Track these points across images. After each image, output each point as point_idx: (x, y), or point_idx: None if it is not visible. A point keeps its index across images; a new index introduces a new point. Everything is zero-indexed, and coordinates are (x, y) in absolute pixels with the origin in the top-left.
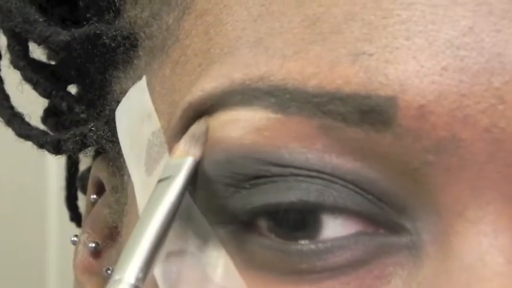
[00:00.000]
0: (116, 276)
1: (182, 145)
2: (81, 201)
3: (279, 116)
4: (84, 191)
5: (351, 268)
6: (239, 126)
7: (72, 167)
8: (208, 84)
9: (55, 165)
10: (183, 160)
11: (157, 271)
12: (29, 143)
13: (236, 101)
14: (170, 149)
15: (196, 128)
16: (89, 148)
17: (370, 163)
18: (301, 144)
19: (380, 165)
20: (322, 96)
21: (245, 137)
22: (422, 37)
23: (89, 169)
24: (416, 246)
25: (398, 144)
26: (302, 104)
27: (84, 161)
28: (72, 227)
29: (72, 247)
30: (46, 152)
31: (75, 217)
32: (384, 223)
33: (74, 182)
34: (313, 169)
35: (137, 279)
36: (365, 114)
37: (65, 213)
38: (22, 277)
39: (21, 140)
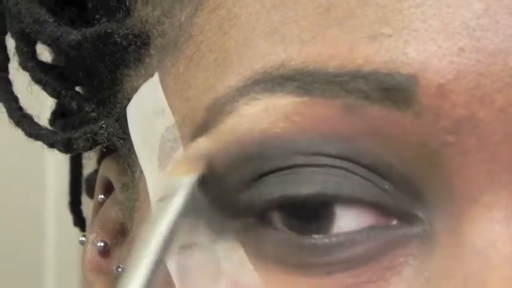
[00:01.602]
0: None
1: (183, 162)
2: (84, 206)
3: (304, 99)
4: (90, 194)
5: (363, 261)
6: (268, 114)
7: (75, 171)
8: (232, 79)
9: (53, 167)
10: (182, 179)
11: (171, 264)
12: (28, 147)
13: (259, 91)
14: (186, 144)
15: (197, 146)
16: (94, 151)
17: (390, 146)
18: (328, 127)
19: (399, 148)
20: (343, 75)
21: (277, 126)
22: (437, 19)
23: (95, 172)
24: (429, 236)
25: (419, 124)
26: (324, 84)
27: (87, 166)
28: (69, 229)
29: (70, 248)
30: (45, 154)
31: (79, 221)
32: (397, 213)
33: (78, 187)
34: (337, 155)
35: None
36: (386, 91)
37: (63, 215)
38: (20, 278)
39: (20, 143)
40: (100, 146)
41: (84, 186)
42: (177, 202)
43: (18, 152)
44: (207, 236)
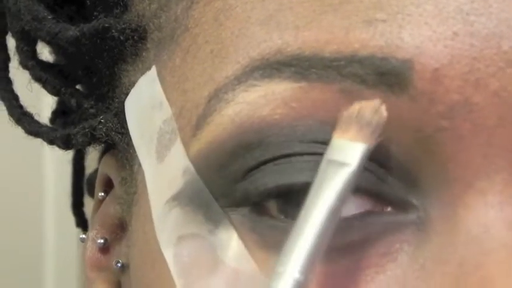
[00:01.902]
0: (280, 268)
1: (356, 129)
2: (86, 208)
3: (302, 84)
4: (92, 193)
5: (359, 247)
6: (267, 100)
7: (78, 173)
8: (230, 68)
9: (52, 165)
10: (359, 146)
11: (168, 255)
12: (26, 147)
13: (257, 77)
14: (184, 135)
15: (373, 116)
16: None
17: (387, 130)
18: (325, 112)
19: (395, 133)
20: (340, 59)
21: (276, 112)
22: (431, 4)
23: (95, 171)
24: (424, 222)
25: (414, 108)
26: (321, 69)
27: (89, 167)
28: (68, 229)
29: (69, 248)
30: (43, 153)
31: (82, 223)
32: (392, 201)
33: (80, 188)
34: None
35: (301, 273)
36: (382, 76)
37: (62, 215)
38: (20, 277)
39: (19, 144)
40: (101, 146)
41: (85, 187)
42: (347, 171)
43: (17, 150)
44: (205, 226)
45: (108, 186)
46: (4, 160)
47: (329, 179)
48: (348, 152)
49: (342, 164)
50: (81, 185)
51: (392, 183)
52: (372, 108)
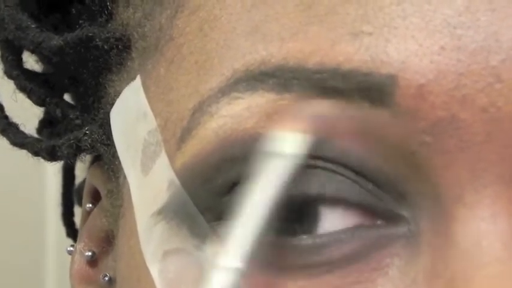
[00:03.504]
0: (218, 259)
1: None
2: (77, 218)
3: (284, 95)
4: (80, 203)
5: (348, 261)
6: (251, 113)
7: (68, 182)
8: (214, 80)
9: (53, 172)
10: (294, 137)
11: (154, 270)
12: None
13: (241, 89)
14: (168, 147)
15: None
16: (85, 159)
17: (372, 146)
18: (309, 127)
19: (380, 148)
20: (323, 72)
21: (259, 125)
22: (418, 17)
23: (84, 180)
24: (414, 235)
25: (397, 125)
26: (304, 81)
27: (81, 177)
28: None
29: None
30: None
31: (72, 233)
32: (382, 214)
33: (70, 198)
34: (319, 156)
35: (239, 261)
36: (365, 91)
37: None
38: (21, 282)
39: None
40: (90, 156)
41: (75, 196)
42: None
43: (19, 155)
44: (191, 241)
45: (96, 197)
46: (5, 162)
47: (264, 170)
48: (282, 143)
49: (277, 155)
50: (71, 194)
51: (381, 196)
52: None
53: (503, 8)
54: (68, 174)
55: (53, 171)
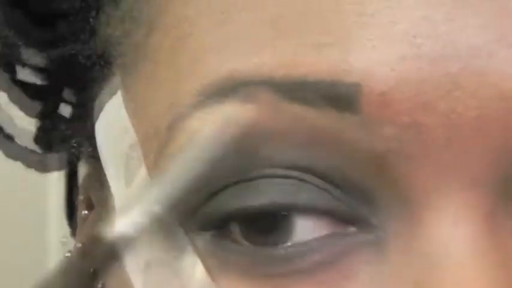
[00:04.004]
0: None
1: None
2: None
3: (254, 107)
4: None
5: (320, 269)
6: (221, 122)
7: (71, 183)
8: (186, 96)
9: (55, 173)
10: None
11: (136, 281)
12: None
13: (211, 104)
14: (148, 162)
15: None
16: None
17: (340, 153)
18: (278, 137)
19: (348, 154)
20: (289, 85)
21: (229, 132)
22: (378, 27)
23: None
24: (382, 241)
25: (363, 131)
26: (271, 94)
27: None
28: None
29: None
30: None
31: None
32: (352, 221)
33: (73, 200)
34: (289, 164)
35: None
36: (331, 100)
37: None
38: (21, 283)
39: None
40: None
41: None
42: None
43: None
44: (170, 253)
45: (90, 205)
46: (5, 162)
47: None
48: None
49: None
50: (73, 196)
51: (350, 203)
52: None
53: (461, 18)
54: (71, 175)
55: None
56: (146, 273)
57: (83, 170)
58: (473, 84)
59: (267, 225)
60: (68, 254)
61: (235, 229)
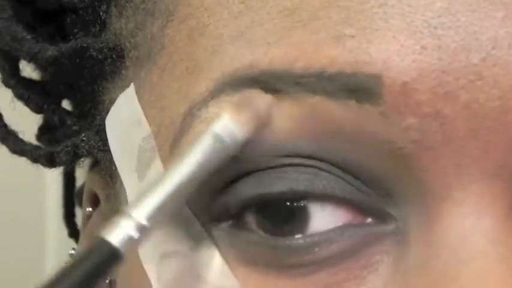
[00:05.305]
0: (126, 210)
1: (247, 118)
2: (78, 218)
3: (273, 97)
4: (82, 205)
5: (338, 259)
6: (240, 113)
7: (69, 184)
8: (203, 85)
9: (53, 173)
10: (242, 132)
11: (151, 273)
12: None
13: (229, 93)
14: (162, 153)
15: (266, 112)
16: (84, 162)
17: (359, 145)
18: (296, 127)
19: (368, 146)
20: (309, 76)
21: (250, 124)
22: (399, 18)
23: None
24: (402, 233)
25: (384, 122)
26: (290, 86)
27: (82, 178)
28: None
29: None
30: None
31: (74, 233)
32: (370, 211)
33: (72, 199)
34: (306, 154)
35: (148, 219)
36: (352, 92)
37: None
38: (21, 283)
39: None
40: (89, 161)
41: (76, 198)
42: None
43: (19, 156)
44: (187, 244)
45: (95, 202)
46: (5, 163)
47: (202, 147)
48: (230, 132)
49: (221, 140)
50: (72, 195)
51: (369, 194)
52: (266, 105)
53: (482, 9)
54: (68, 176)
55: (52, 172)
56: (161, 264)
57: (83, 170)
58: (494, 75)
59: (283, 215)
60: (73, 252)
61: (251, 219)
